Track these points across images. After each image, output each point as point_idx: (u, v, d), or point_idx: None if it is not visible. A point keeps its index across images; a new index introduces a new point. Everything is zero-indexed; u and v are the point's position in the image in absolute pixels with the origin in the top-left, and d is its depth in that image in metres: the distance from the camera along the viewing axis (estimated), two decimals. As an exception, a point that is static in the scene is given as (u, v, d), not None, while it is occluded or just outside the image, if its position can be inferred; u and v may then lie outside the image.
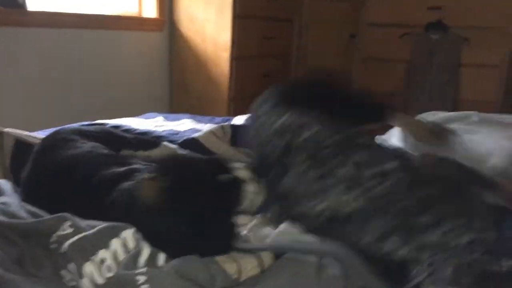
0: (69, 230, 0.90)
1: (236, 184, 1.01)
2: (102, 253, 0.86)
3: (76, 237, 0.88)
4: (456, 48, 3.49)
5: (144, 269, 0.83)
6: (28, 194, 1.16)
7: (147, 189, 0.94)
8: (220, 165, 1.04)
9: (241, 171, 1.07)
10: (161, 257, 0.88)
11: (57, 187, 1.12)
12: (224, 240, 0.95)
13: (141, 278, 0.81)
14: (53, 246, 0.89)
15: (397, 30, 3.66)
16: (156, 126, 2.11)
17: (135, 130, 2.03)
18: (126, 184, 0.99)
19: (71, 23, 2.84)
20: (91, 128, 1.59)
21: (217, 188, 0.96)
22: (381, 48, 3.79)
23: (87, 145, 1.27)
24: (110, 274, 0.85)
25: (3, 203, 1.07)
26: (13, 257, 0.88)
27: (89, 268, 0.85)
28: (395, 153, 1.12)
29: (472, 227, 0.89)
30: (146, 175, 0.99)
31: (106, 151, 1.27)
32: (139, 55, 3.35)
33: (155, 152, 1.41)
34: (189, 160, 1.08)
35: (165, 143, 1.51)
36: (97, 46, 3.03)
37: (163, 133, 1.96)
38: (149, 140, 1.55)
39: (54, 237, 0.88)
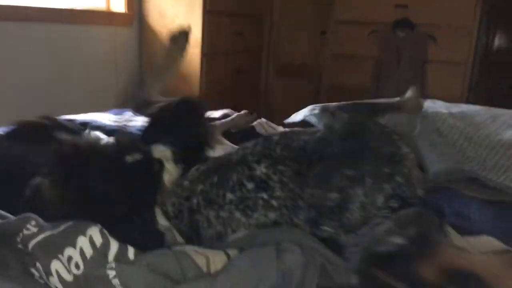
0: (34, 230, 0.89)
1: (149, 164, 0.96)
2: (68, 251, 0.85)
3: (41, 236, 0.87)
4: (423, 45, 3.58)
5: (113, 264, 0.83)
6: None
7: (46, 188, 0.91)
8: (131, 147, 0.97)
9: (159, 151, 1.01)
10: (131, 251, 0.88)
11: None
12: (145, 221, 0.92)
13: (111, 273, 0.81)
14: (20, 246, 0.87)
15: (366, 27, 3.73)
16: (125, 120, 2.09)
17: (106, 126, 2.00)
18: (36, 180, 0.93)
19: (37, 17, 2.77)
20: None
21: (124, 170, 0.92)
22: (351, 45, 3.85)
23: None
24: (78, 272, 0.84)
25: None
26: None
27: (56, 266, 0.83)
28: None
29: (382, 186, 0.86)
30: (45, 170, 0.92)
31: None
32: (108, 50, 3.30)
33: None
34: (89, 146, 0.97)
35: (91, 132, 1.45)
36: (64, 40, 2.97)
37: (133, 129, 1.94)
38: (72, 129, 1.48)
39: (20, 237, 0.87)
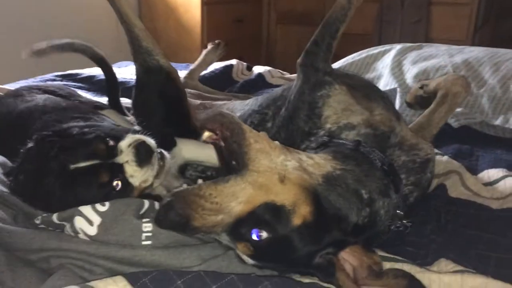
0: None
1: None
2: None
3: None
4: (427, -15, 3.49)
5: (150, 222, 0.86)
6: None
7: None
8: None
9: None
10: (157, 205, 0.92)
11: (12, 142, 1.06)
12: None
13: (146, 226, 0.85)
14: (41, 226, 0.90)
15: (369, -31, 3.63)
16: (132, 74, 2.09)
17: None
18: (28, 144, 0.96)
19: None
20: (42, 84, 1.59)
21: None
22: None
23: (38, 98, 1.28)
24: (104, 208, 0.86)
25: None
26: (9, 216, 0.92)
27: (80, 223, 0.85)
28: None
29: None
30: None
31: (63, 103, 1.27)
32: (106, 3, 3.24)
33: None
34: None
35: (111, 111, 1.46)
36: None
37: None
38: (97, 104, 1.50)
39: (39, 219, 0.90)
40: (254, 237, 0.76)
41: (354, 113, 1.04)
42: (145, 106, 1.33)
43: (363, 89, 1.14)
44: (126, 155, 0.92)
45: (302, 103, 1.08)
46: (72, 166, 0.88)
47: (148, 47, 1.31)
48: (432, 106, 1.30)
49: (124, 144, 0.94)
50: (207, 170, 1.21)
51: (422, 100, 1.38)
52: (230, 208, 0.77)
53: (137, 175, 0.93)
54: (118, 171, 0.91)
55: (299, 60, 1.15)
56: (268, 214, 0.77)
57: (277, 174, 0.80)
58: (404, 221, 0.95)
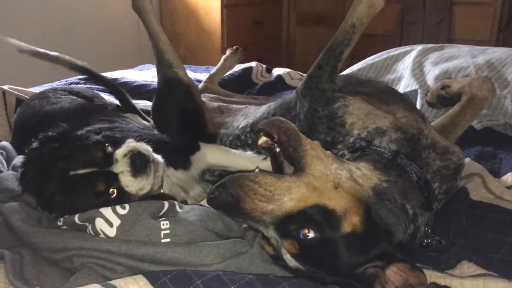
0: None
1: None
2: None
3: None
4: (449, -14, 3.44)
5: (167, 219, 0.88)
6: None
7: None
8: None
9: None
10: (177, 205, 0.95)
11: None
12: None
13: (164, 223, 0.86)
14: (64, 227, 0.92)
15: (390, -30, 3.59)
16: (153, 77, 2.11)
17: (133, 82, 2.03)
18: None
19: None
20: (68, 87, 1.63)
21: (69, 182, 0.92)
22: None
23: (64, 100, 1.31)
24: (124, 211, 0.88)
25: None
26: (34, 217, 0.95)
27: (100, 224, 0.87)
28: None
29: None
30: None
31: (88, 106, 1.32)
32: (127, 7, 3.29)
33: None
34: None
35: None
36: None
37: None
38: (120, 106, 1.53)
39: (61, 221, 0.92)
40: (302, 235, 0.77)
41: (378, 116, 1.03)
42: (163, 116, 1.40)
43: (379, 94, 1.12)
44: (121, 165, 0.93)
45: (319, 119, 1.08)
46: (71, 173, 0.90)
47: (169, 59, 1.40)
48: (456, 108, 1.27)
49: (119, 153, 0.95)
50: (225, 175, 1.22)
51: (443, 100, 1.35)
52: (282, 201, 0.79)
53: (131, 185, 0.94)
54: (114, 180, 0.92)
55: (299, 87, 1.15)
56: (319, 215, 0.78)
57: (332, 181, 0.81)
58: (438, 238, 0.94)
